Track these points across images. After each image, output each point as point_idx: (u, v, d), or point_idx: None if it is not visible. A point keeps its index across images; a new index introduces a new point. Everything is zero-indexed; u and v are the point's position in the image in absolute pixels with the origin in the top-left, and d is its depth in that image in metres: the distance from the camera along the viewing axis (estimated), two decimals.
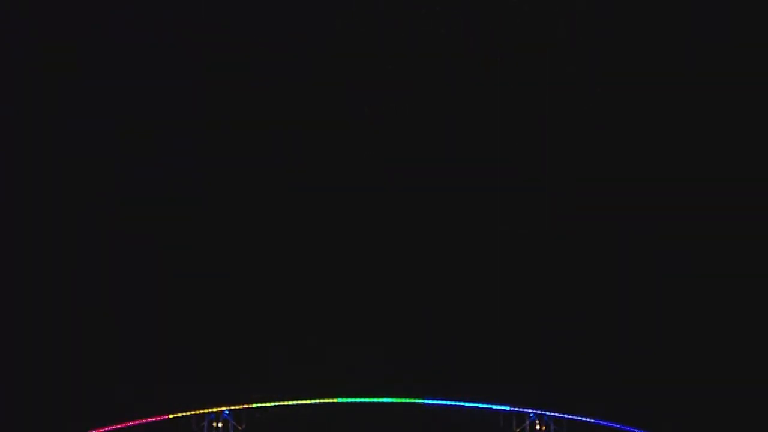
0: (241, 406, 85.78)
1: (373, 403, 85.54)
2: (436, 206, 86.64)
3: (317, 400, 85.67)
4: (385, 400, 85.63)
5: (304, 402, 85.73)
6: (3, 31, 78.79)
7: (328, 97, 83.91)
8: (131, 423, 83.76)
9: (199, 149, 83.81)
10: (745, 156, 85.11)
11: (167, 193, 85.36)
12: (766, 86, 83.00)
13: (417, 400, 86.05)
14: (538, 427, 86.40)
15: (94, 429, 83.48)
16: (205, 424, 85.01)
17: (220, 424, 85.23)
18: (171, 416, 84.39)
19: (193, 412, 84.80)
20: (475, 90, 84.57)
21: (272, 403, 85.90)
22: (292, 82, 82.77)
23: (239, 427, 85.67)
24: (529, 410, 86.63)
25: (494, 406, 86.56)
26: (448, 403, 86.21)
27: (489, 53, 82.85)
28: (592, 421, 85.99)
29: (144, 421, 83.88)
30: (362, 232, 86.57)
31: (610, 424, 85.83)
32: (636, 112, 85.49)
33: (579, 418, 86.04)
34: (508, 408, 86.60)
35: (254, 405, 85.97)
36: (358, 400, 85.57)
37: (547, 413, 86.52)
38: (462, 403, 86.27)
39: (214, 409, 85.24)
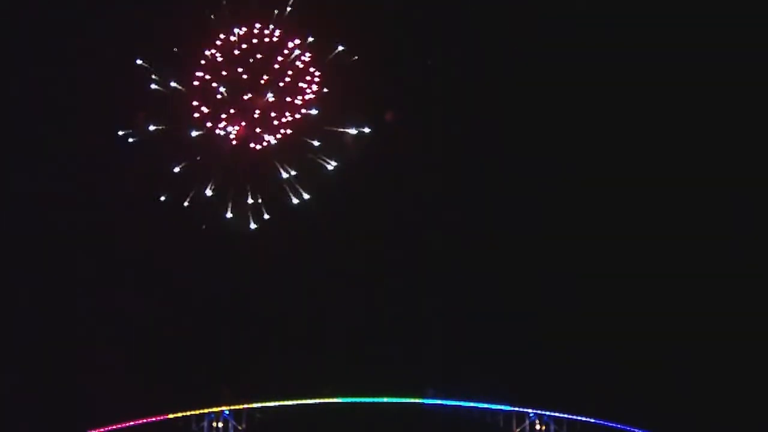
0: (241, 406, 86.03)
1: (373, 403, 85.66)
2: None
3: (317, 400, 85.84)
4: (385, 400, 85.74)
5: (304, 402, 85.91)
6: None
7: None
8: (131, 423, 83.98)
9: None
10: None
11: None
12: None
13: (417, 400, 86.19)
14: (538, 427, 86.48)
15: (94, 429, 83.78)
16: (205, 424, 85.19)
17: (220, 424, 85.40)
18: (171, 416, 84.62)
19: (193, 412, 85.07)
20: None
21: (272, 403, 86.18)
22: None
23: (239, 427, 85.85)
24: (529, 410, 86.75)
25: (494, 406, 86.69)
26: (448, 403, 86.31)
27: None
28: (592, 421, 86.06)
29: (144, 421, 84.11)
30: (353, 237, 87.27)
31: (610, 424, 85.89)
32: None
33: (579, 418, 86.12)
34: (508, 408, 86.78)
35: (254, 405, 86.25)
36: (358, 400, 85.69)
37: (547, 413, 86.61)
38: (462, 403, 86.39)
39: (214, 409, 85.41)
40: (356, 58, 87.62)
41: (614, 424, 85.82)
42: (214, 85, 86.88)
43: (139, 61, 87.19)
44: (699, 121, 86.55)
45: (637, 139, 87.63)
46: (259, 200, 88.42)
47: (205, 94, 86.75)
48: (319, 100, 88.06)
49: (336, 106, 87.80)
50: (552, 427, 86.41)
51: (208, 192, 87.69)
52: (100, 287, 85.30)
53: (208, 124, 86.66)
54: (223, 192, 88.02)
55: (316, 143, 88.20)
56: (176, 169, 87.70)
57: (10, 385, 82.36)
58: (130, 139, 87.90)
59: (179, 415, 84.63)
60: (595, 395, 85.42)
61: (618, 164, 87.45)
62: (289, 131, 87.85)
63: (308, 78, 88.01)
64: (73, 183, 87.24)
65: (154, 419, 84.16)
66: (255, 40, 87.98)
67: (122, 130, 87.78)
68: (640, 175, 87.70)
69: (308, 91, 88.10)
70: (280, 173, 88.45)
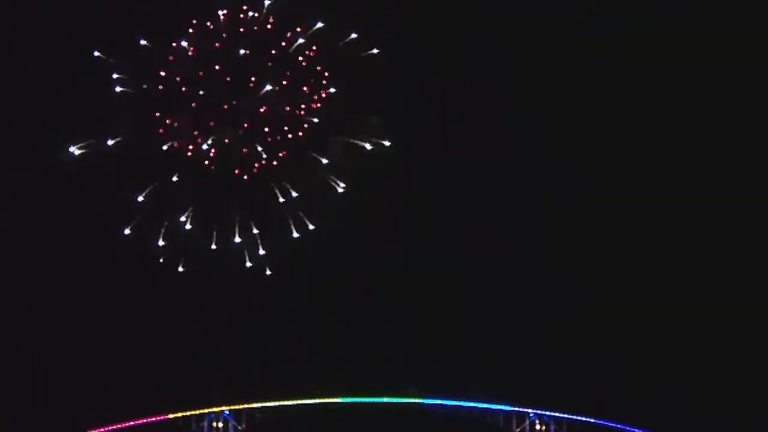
0: (241, 406, 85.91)
1: (373, 403, 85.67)
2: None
3: (317, 400, 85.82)
4: (385, 400, 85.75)
5: (304, 402, 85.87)
6: None
7: None
8: (131, 423, 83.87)
9: None
10: None
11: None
12: None
13: (417, 400, 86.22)
14: (538, 427, 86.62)
15: (94, 429, 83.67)
16: (205, 424, 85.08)
17: (220, 424, 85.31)
18: (171, 416, 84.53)
19: (193, 412, 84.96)
20: None
21: (272, 403, 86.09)
22: None
23: (239, 427, 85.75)
24: (529, 410, 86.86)
25: (494, 406, 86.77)
26: (448, 403, 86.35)
27: None
28: (592, 421, 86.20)
29: (144, 421, 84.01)
30: (362, 234, 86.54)
31: (610, 424, 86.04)
32: None
33: (579, 418, 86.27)
34: (508, 408, 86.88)
35: (254, 405, 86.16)
36: (358, 400, 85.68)
37: (547, 413, 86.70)
38: (462, 403, 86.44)
39: (214, 409, 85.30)
40: (376, 51, 73.12)
41: (614, 424, 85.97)
42: (185, 89, 71.58)
43: (96, 54, 71.88)
44: (697, 123, 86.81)
45: (636, 140, 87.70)
46: (255, 231, 77.29)
47: (177, 98, 72.01)
48: (326, 106, 73.27)
49: (348, 112, 73.27)
50: (552, 427, 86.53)
51: (183, 220, 75.11)
52: (100, 287, 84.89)
53: (181, 139, 72.07)
54: (206, 222, 75.63)
55: (323, 160, 76.67)
56: (140, 198, 75.45)
57: (10, 385, 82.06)
58: (77, 152, 74.17)
59: (179, 415, 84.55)
60: (595, 395, 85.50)
61: (618, 164, 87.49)
62: (287, 146, 73.88)
63: (312, 77, 73.11)
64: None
65: (154, 419, 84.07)
66: (242, 29, 72.02)
67: (73, 145, 74.12)
68: (639, 175, 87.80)
69: (313, 94, 73.39)
70: (278, 198, 77.21)
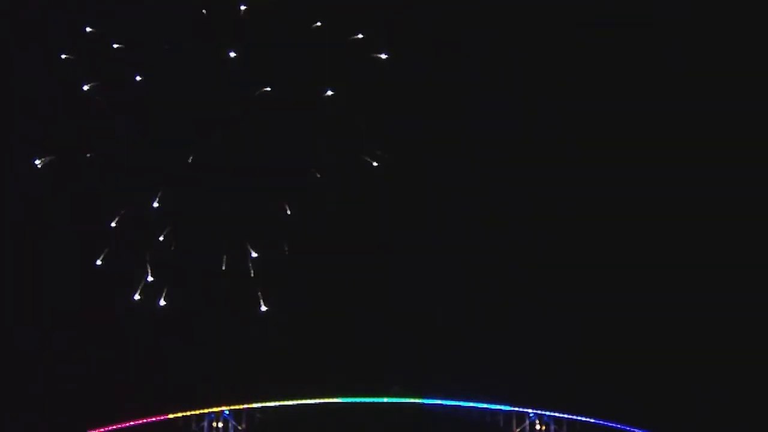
0: (241, 406, 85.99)
1: (373, 403, 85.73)
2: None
3: (317, 400, 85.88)
4: (385, 400, 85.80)
5: (304, 402, 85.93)
6: None
7: None
8: (131, 423, 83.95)
9: None
10: None
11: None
12: None
13: (417, 400, 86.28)
14: (538, 427, 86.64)
15: (94, 429, 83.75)
16: (205, 424, 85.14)
17: (220, 424, 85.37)
18: (171, 416, 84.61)
19: (193, 412, 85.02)
20: None
21: (272, 403, 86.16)
22: None
23: (239, 427, 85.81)
24: (529, 410, 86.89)
25: (494, 406, 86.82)
26: (448, 402, 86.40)
27: None
28: (592, 421, 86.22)
29: (144, 421, 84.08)
30: (356, 231, 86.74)
31: (610, 424, 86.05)
32: None
33: (579, 418, 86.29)
34: (508, 408, 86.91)
35: (254, 405, 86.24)
36: (358, 400, 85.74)
37: (547, 413, 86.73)
38: (462, 403, 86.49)
39: (214, 409, 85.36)
40: (383, 55, 66.78)
41: (614, 424, 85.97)
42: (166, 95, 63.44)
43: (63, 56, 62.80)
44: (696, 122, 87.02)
45: (636, 140, 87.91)
46: (252, 253, 73.91)
47: (156, 107, 64.32)
48: (325, 111, 66.26)
49: (349, 118, 66.30)
50: (552, 427, 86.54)
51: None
52: (100, 287, 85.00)
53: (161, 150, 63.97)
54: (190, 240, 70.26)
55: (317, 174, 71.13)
56: (113, 223, 69.04)
57: (10, 384, 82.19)
58: (37, 161, 65.98)
59: (179, 415, 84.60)
60: (595, 395, 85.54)
61: (616, 164, 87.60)
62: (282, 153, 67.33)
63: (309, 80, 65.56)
64: None
65: (154, 419, 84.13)
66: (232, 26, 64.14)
67: (38, 157, 66.05)
68: (638, 173, 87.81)
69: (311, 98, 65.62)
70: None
